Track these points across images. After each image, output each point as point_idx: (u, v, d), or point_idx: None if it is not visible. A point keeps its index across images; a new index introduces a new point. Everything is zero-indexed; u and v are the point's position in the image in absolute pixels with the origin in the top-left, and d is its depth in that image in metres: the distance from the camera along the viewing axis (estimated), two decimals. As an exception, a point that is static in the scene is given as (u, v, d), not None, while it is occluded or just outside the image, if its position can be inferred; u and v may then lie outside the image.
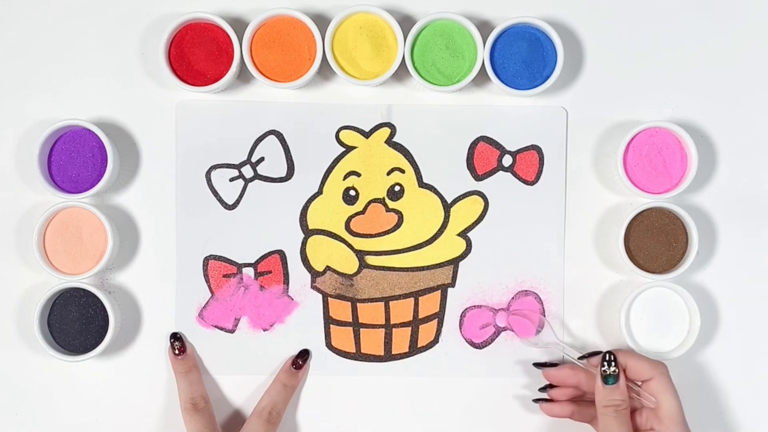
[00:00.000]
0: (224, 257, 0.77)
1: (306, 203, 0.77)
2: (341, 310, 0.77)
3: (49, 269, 0.75)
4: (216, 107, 0.77)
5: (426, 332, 0.77)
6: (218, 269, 0.77)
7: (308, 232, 0.77)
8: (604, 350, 0.71)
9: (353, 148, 0.77)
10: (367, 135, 0.77)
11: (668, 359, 0.75)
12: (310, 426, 0.77)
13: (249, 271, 0.77)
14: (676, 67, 0.78)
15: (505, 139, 0.77)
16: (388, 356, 0.77)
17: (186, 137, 0.77)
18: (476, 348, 0.77)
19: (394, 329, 0.77)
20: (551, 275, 0.77)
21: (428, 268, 0.77)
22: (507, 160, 0.77)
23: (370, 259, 0.77)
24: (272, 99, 0.78)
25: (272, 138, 0.77)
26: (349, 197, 0.77)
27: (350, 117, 0.77)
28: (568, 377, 0.74)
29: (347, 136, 0.77)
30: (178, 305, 0.77)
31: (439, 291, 0.77)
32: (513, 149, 0.77)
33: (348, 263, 0.77)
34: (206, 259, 0.77)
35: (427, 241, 0.77)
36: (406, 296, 0.77)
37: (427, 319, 0.77)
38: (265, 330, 0.77)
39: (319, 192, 0.77)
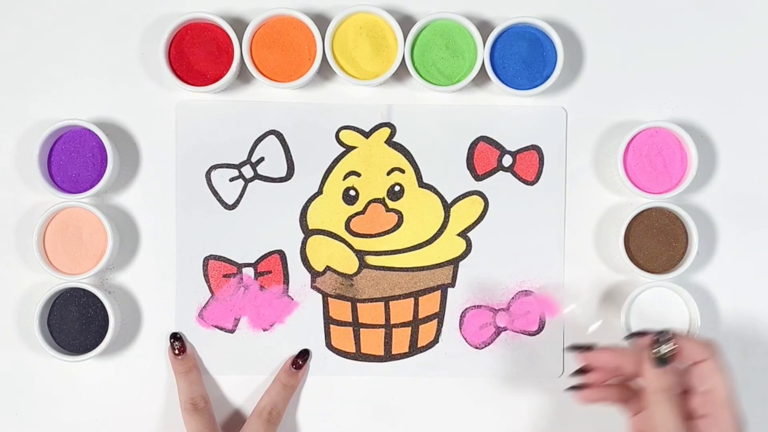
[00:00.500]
0: (224, 257, 0.77)
1: (306, 203, 0.77)
2: (341, 310, 0.77)
3: (49, 269, 0.75)
4: (216, 107, 0.77)
5: (426, 332, 0.77)
6: (218, 269, 0.77)
7: (308, 232, 0.77)
8: (653, 330, 0.64)
9: (353, 148, 0.77)
10: (367, 135, 0.77)
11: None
12: (309, 426, 0.78)
13: (249, 271, 0.77)
14: (676, 67, 0.78)
15: (505, 139, 0.77)
16: (388, 356, 0.77)
17: (186, 137, 0.77)
18: (476, 348, 0.77)
19: (394, 329, 0.77)
20: (551, 275, 0.77)
21: (428, 268, 0.77)
22: (507, 160, 0.77)
23: (370, 259, 0.77)
24: (272, 99, 0.78)
25: (272, 138, 0.77)
26: (349, 197, 0.77)
27: (350, 117, 0.77)
28: (610, 360, 0.66)
29: (347, 136, 0.77)
30: (178, 305, 0.77)
31: (439, 291, 0.77)
32: (513, 149, 0.77)
33: (348, 263, 0.77)
34: (206, 259, 0.77)
35: (427, 241, 0.77)
36: (406, 296, 0.77)
37: (427, 319, 0.77)
38: (265, 330, 0.77)
39: (319, 192, 0.77)
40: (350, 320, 0.77)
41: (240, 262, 0.77)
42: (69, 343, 0.75)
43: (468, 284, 0.77)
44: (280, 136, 0.77)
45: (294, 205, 0.77)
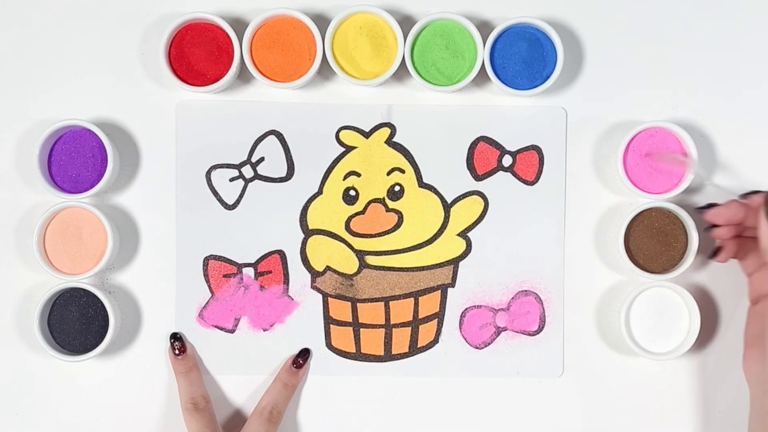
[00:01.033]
0: (224, 257, 0.77)
1: (306, 203, 0.77)
2: (341, 310, 0.77)
3: (49, 269, 0.75)
4: (216, 107, 0.77)
5: (426, 332, 0.77)
6: (218, 269, 0.77)
7: (308, 232, 0.77)
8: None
9: (353, 148, 0.77)
10: (367, 135, 0.77)
11: (668, 359, 0.75)
12: (310, 426, 0.78)
13: (249, 271, 0.77)
14: (676, 67, 0.78)
15: (505, 139, 0.77)
16: (388, 356, 0.77)
17: (186, 137, 0.77)
18: (476, 348, 0.77)
19: (394, 329, 0.77)
20: (551, 275, 0.77)
21: (428, 268, 0.77)
22: (507, 160, 0.77)
23: (370, 259, 0.77)
24: (272, 99, 0.78)
25: (272, 138, 0.77)
26: (349, 197, 0.77)
27: (350, 117, 0.77)
28: (736, 214, 0.71)
29: (347, 136, 0.77)
30: (178, 305, 0.77)
31: (439, 291, 0.77)
32: (513, 149, 0.77)
33: (348, 263, 0.77)
34: (206, 259, 0.77)
35: (427, 241, 0.77)
36: (406, 296, 0.77)
37: (427, 319, 0.77)
38: (265, 330, 0.77)
39: (319, 192, 0.77)
40: (350, 320, 0.77)
41: (240, 262, 0.77)
42: (69, 343, 0.75)
43: (468, 284, 0.77)
44: (280, 136, 0.77)
45: (294, 205, 0.77)
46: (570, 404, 0.77)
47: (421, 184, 0.77)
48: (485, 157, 0.77)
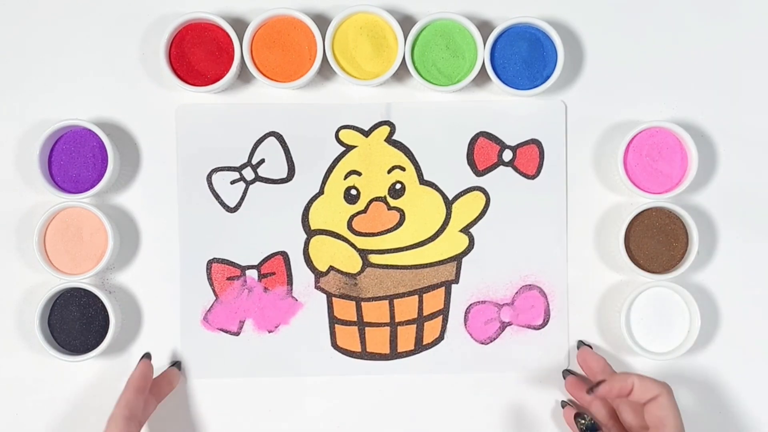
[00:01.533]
0: (227, 260, 0.77)
1: (307, 204, 0.77)
2: (346, 309, 0.77)
3: (49, 269, 0.75)
4: (215, 110, 0.77)
5: (431, 329, 0.77)
6: (222, 272, 0.77)
7: (311, 233, 0.77)
8: (600, 386, 0.68)
9: (353, 147, 0.77)
10: (366, 134, 0.77)
11: (668, 359, 0.75)
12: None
13: (252, 273, 0.77)
14: (676, 67, 0.78)
15: (505, 134, 0.77)
16: (394, 354, 0.77)
17: (186, 141, 0.77)
18: (481, 344, 0.77)
19: (399, 327, 0.77)
20: (554, 268, 0.77)
21: (431, 265, 0.77)
22: (507, 155, 0.77)
23: (374, 258, 0.77)
24: (272, 100, 0.77)
25: (272, 139, 0.77)
26: (351, 196, 0.77)
27: (349, 116, 0.77)
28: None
29: (347, 136, 0.77)
30: (182, 309, 0.77)
31: (443, 288, 0.77)
32: (513, 144, 0.77)
33: (351, 262, 0.77)
34: (210, 263, 0.77)
35: (429, 238, 0.77)
36: (410, 294, 0.77)
37: (432, 316, 0.77)
38: (270, 332, 0.77)
39: (321, 192, 0.77)
40: (355, 319, 0.77)
41: (243, 264, 0.77)
42: (69, 343, 0.75)
43: (471, 280, 0.77)
44: (279, 138, 0.77)
45: (296, 206, 0.77)
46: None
47: (422, 182, 0.77)
48: (485, 152, 0.77)
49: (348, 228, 0.77)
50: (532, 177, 0.77)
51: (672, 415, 0.68)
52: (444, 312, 0.77)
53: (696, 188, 0.78)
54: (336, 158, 0.77)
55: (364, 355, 0.77)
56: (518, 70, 0.75)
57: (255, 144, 0.77)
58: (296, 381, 0.77)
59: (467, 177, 0.77)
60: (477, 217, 0.77)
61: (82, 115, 0.77)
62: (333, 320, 0.77)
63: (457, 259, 0.77)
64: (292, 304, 0.77)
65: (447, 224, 0.77)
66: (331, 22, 0.75)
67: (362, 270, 0.77)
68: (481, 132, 0.77)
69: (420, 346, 0.77)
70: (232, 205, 0.77)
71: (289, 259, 0.77)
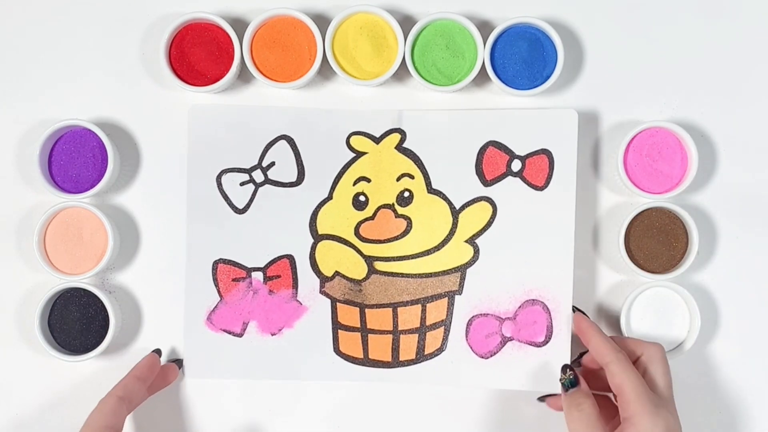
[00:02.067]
0: (233, 261, 0.77)
1: (316, 208, 0.77)
2: (350, 315, 0.77)
3: (49, 269, 0.75)
4: (227, 112, 0.77)
5: (432, 339, 0.76)
6: (227, 273, 0.77)
7: (318, 237, 0.77)
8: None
9: (363, 153, 0.77)
10: (377, 141, 0.77)
11: (669, 359, 0.75)
12: (316, 429, 0.77)
13: (258, 276, 0.77)
14: (676, 67, 0.78)
15: (515, 144, 0.76)
16: (396, 362, 0.77)
17: (197, 142, 0.76)
18: (482, 358, 0.76)
19: (401, 335, 0.77)
20: (559, 284, 0.75)
21: (436, 274, 0.76)
22: (516, 165, 0.76)
23: (379, 265, 0.77)
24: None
25: (283, 143, 0.77)
26: (359, 203, 0.77)
27: (361, 123, 0.77)
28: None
29: (358, 142, 0.77)
30: (186, 309, 0.76)
31: (446, 298, 0.76)
32: (522, 153, 0.76)
33: (357, 269, 0.77)
34: (215, 263, 0.77)
35: (435, 247, 0.76)
36: (413, 303, 0.77)
37: (434, 326, 0.76)
38: (273, 334, 0.77)
39: (329, 197, 0.77)
40: (358, 326, 0.77)
41: (249, 266, 0.77)
42: (69, 343, 0.75)
43: (475, 291, 0.76)
44: (291, 141, 0.77)
45: (304, 210, 0.77)
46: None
47: (430, 190, 0.77)
48: (494, 162, 0.76)
49: (355, 234, 0.77)
50: (541, 188, 0.76)
51: (626, 380, 0.67)
52: (446, 323, 0.76)
53: (696, 188, 0.78)
54: (346, 164, 0.77)
55: (366, 361, 0.76)
56: (518, 70, 0.75)
57: (266, 147, 0.77)
58: (297, 384, 0.77)
59: (475, 187, 0.76)
60: (483, 227, 0.76)
61: (82, 115, 0.77)
62: (336, 325, 0.77)
63: (462, 269, 0.76)
64: (296, 307, 0.77)
65: (453, 234, 0.76)
66: (331, 22, 0.75)
67: (367, 277, 0.77)
68: (490, 141, 0.76)
69: (421, 356, 0.76)
70: (240, 206, 0.77)
71: (295, 262, 0.77)
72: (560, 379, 0.71)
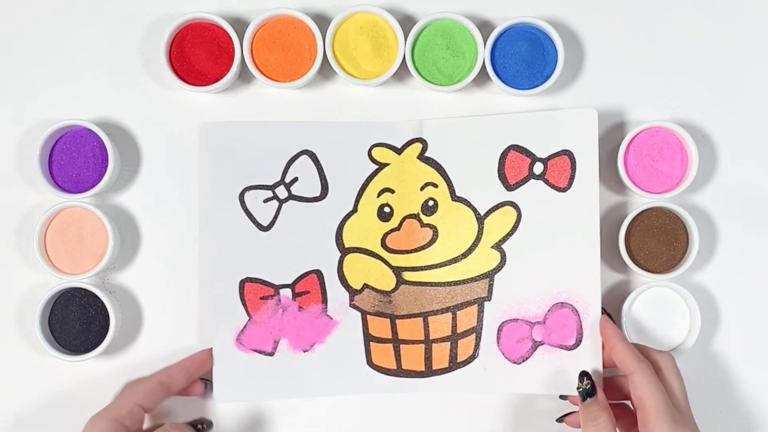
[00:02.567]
0: (260, 279, 0.76)
1: (341, 222, 0.76)
2: (380, 327, 0.76)
3: (49, 269, 0.75)
4: (248, 128, 0.76)
5: (465, 347, 0.76)
6: (255, 292, 0.76)
7: (344, 251, 0.76)
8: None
9: (386, 165, 0.76)
10: (399, 151, 0.76)
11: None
12: None
13: (286, 292, 0.76)
14: (676, 67, 0.78)
15: (536, 146, 0.76)
16: (429, 372, 0.76)
17: (218, 160, 0.76)
18: (514, 363, 0.75)
19: (433, 344, 0.76)
20: (586, 285, 0.75)
21: (464, 282, 0.76)
22: (538, 168, 0.76)
23: (407, 275, 0.76)
24: (273, 100, 0.77)
25: (305, 158, 0.76)
26: (384, 214, 0.76)
27: (382, 134, 0.76)
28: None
29: (380, 154, 0.76)
30: (215, 330, 0.75)
31: (476, 305, 0.76)
32: (544, 156, 0.76)
33: (385, 280, 0.76)
34: (242, 282, 0.76)
35: (462, 254, 0.76)
36: (443, 311, 0.76)
37: (465, 333, 0.76)
38: (305, 351, 0.76)
39: (354, 210, 0.76)
40: (390, 337, 0.76)
41: (277, 283, 0.76)
42: (70, 343, 0.75)
43: (504, 297, 0.75)
44: (312, 156, 0.76)
45: (329, 224, 0.76)
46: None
47: (455, 198, 0.76)
48: (516, 166, 0.76)
49: (382, 245, 0.76)
50: (564, 190, 0.75)
51: (649, 395, 0.66)
52: (477, 330, 0.76)
53: (696, 188, 0.78)
54: (369, 176, 0.76)
55: (400, 372, 0.76)
56: (518, 69, 0.75)
57: (288, 162, 0.76)
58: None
59: (498, 192, 0.76)
60: (508, 232, 0.76)
61: (82, 115, 0.77)
62: (368, 338, 0.76)
63: (490, 275, 0.76)
64: (327, 322, 0.76)
65: (479, 241, 0.76)
66: (332, 22, 0.75)
67: (396, 287, 0.76)
68: (512, 145, 0.76)
69: (454, 364, 0.76)
70: (265, 223, 0.76)
71: (323, 277, 0.76)
72: (577, 388, 0.71)
